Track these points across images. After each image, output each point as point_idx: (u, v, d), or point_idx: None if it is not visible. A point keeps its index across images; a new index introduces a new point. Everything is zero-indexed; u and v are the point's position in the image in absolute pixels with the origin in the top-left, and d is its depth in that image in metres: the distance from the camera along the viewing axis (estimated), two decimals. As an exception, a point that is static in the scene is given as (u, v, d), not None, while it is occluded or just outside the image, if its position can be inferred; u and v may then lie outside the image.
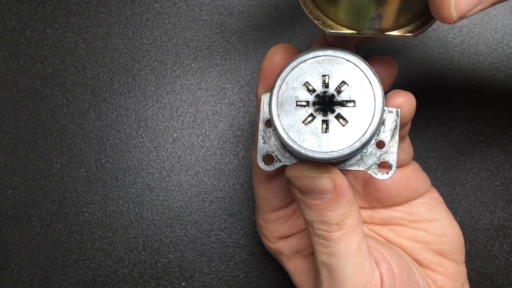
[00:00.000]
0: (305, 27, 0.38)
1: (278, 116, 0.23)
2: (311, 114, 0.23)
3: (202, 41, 0.38)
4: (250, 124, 0.38)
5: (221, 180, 0.38)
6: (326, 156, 0.23)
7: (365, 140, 0.22)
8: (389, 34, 0.23)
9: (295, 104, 0.23)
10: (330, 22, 0.23)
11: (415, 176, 0.30)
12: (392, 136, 0.24)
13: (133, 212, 0.37)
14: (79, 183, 0.38)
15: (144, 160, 0.38)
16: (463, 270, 0.31)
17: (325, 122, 0.23)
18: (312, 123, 0.23)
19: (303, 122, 0.23)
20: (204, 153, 0.38)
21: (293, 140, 0.23)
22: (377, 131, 0.23)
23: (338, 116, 0.23)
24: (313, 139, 0.23)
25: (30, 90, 0.38)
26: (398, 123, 0.24)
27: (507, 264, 0.36)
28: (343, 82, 0.23)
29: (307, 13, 0.23)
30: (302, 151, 0.23)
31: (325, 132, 0.23)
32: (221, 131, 0.38)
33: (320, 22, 0.23)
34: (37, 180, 0.38)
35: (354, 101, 0.23)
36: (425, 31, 0.23)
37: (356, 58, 0.23)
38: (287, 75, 0.23)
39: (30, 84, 0.38)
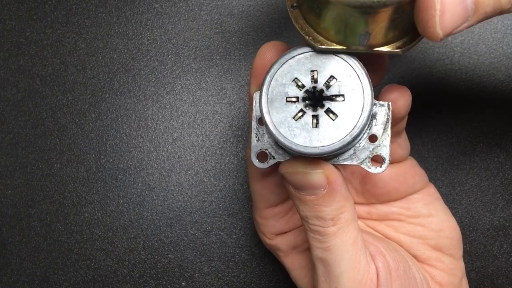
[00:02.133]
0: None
1: (269, 112, 0.23)
2: (301, 110, 0.23)
3: (202, 41, 0.38)
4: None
5: (221, 180, 0.38)
6: (317, 151, 0.23)
7: (355, 133, 0.23)
8: (378, 50, 0.23)
9: (285, 100, 0.23)
10: (320, 38, 0.23)
11: (412, 171, 0.30)
12: (385, 129, 0.24)
13: (133, 212, 0.37)
14: (79, 183, 0.38)
15: (144, 160, 0.38)
16: (461, 265, 0.31)
17: (315, 117, 0.23)
18: (303, 118, 0.23)
19: (294, 118, 0.23)
20: (204, 153, 0.38)
21: (284, 136, 0.23)
22: (367, 125, 0.24)
23: (328, 111, 0.23)
24: (304, 134, 0.23)
25: (30, 90, 0.38)
26: (390, 116, 0.24)
27: (507, 264, 0.36)
28: (332, 77, 0.23)
29: (298, 28, 0.23)
30: (293, 146, 0.23)
31: (316, 127, 0.23)
32: (221, 131, 0.38)
33: (310, 38, 0.23)
34: (37, 180, 0.38)
35: (343, 95, 0.23)
36: (414, 46, 0.23)
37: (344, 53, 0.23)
38: (276, 72, 0.24)
39: (30, 84, 0.38)
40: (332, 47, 0.23)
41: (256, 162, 0.25)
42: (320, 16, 0.22)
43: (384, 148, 0.24)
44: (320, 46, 0.23)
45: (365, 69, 0.23)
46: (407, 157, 0.30)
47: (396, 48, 0.23)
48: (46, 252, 0.37)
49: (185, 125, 0.38)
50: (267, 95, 0.23)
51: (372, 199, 0.30)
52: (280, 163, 0.25)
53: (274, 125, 0.23)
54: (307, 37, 0.23)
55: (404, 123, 0.28)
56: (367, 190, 0.30)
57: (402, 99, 0.26)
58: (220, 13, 0.39)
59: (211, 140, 0.38)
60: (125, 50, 0.39)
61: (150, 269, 0.37)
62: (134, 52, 0.39)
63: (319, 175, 0.24)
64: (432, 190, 0.31)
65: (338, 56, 0.23)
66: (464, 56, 0.38)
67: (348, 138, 0.23)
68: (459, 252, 0.31)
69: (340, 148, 0.23)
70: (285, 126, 0.23)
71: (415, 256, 0.30)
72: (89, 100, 0.38)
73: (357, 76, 0.23)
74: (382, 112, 0.24)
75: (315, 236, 0.25)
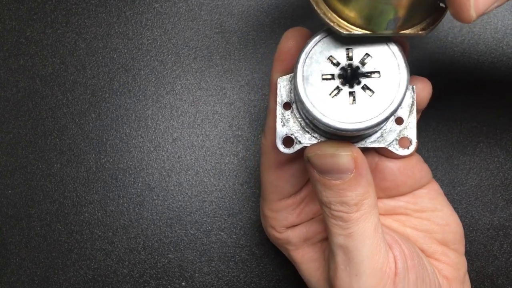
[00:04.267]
0: (305, 27, 0.38)
1: (305, 90, 0.23)
2: (337, 87, 0.23)
3: (202, 41, 0.38)
4: (250, 124, 0.38)
5: (221, 180, 0.38)
6: (355, 126, 0.22)
7: (393, 108, 0.22)
8: (404, 33, 0.23)
9: (320, 78, 0.23)
10: (344, 24, 0.22)
11: (419, 166, 0.30)
12: (410, 112, 0.24)
13: (133, 212, 0.37)
14: (79, 183, 0.38)
15: (144, 160, 0.38)
16: (464, 261, 0.31)
17: (352, 94, 0.23)
18: (339, 95, 0.23)
19: (330, 95, 0.23)
20: (204, 153, 0.38)
21: (322, 113, 0.23)
22: (403, 100, 0.23)
23: (364, 87, 0.23)
24: (341, 111, 0.23)
25: (30, 90, 0.38)
26: (415, 99, 0.24)
27: (507, 264, 0.36)
28: (367, 54, 0.23)
29: (320, 14, 0.23)
30: (331, 123, 0.23)
31: (352, 103, 0.23)
32: (221, 131, 0.38)
33: (335, 23, 0.22)
34: (37, 180, 0.38)
35: (378, 72, 0.23)
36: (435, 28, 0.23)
37: None
38: (311, 50, 0.23)
39: (30, 84, 0.38)
40: (358, 32, 0.22)
41: (281, 147, 0.25)
42: (347, 3, 0.22)
43: (411, 130, 0.25)
44: (346, 33, 0.22)
45: (399, 45, 0.23)
46: (414, 152, 0.31)
47: (420, 30, 0.22)
48: (46, 252, 0.37)
49: (185, 125, 0.38)
50: (302, 73, 0.23)
51: (379, 193, 0.30)
52: (306, 148, 0.25)
53: (311, 103, 0.23)
54: (331, 23, 0.22)
55: (418, 116, 0.28)
56: (375, 184, 0.30)
57: (425, 90, 0.26)
58: (220, 13, 0.39)
59: (211, 140, 0.38)
60: (125, 50, 0.39)
61: (150, 269, 0.37)
62: (134, 52, 0.39)
63: (348, 157, 0.23)
64: (436, 186, 0.31)
65: None
66: (464, 56, 0.38)
67: (387, 113, 0.22)
68: (463, 247, 0.31)
69: (378, 124, 0.23)
70: (321, 103, 0.23)
71: (421, 250, 0.30)
72: (89, 100, 0.38)
73: (392, 53, 0.23)
74: (407, 95, 0.24)
75: (338, 223, 0.25)
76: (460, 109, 0.37)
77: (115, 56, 0.39)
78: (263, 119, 0.38)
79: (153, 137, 0.38)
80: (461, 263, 0.31)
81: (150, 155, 0.38)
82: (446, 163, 0.37)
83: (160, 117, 0.38)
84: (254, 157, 0.38)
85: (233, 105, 0.38)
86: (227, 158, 0.38)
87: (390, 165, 0.29)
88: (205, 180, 0.38)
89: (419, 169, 0.30)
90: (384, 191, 0.30)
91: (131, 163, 0.38)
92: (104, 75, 0.38)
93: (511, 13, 0.38)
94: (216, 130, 0.38)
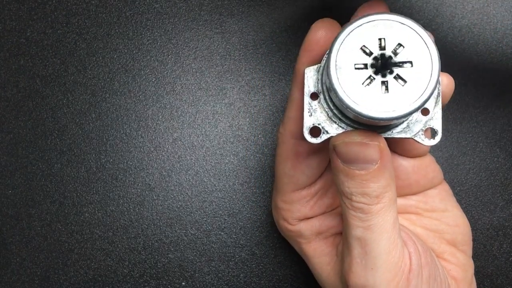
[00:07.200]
0: (305, 27, 0.38)
1: (338, 79, 0.23)
2: (370, 76, 0.23)
3: (202, 41, 0.38)
4: (250, 124, 0.38)
5: (221, 180, 0.38)
6: (388, 115, 0.23)
7: (425, 98, 0.22)
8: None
9: (353, 67, 0.23)
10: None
11: (433, 166, 0.30)
12: (436, 103, 0.25)
13: (133, 212, 0.37)
14: (79, 183, 0.38)
15: (144, 160, 0.38)
16: (471, 263, 0.31)
17: (384, 83, 0.23)
18: (372, 84, 0.23)
19: (362, 84, 0.23)
20: (204, 153, 0.38)
21: (354, 102, 0.23)
22: (435, 90, 0.24)
23: (397, 77, 0.23)
24: (374, 100, 0.23)
25: (31, 90, 0.38)
26: (441, 90, 0.25)
27: (507, 264, 0.36)
28: (399, 45, 0.23)
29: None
30: (364, 111, 0.23)
31: (385, 93, 0.23)
32: (221, 131, 0.38)
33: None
34: (37, 180, 0.38)
35: (411, 62, 0.23)
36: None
37: (411, 22, 0.23)
38: (344, 39, 0.23)
39: (31, 84, 0.38)
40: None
41: (309, 137, 0.25)
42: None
43: (436, 121, 0.25)
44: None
45: (432, 37, 0.23)
46: (427, 152, 0.31)
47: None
48: (47, 252, 0.37)
49: (185, 125, 0.38)
50: (335, 62, 0.23)
51: None
52: (332, 137, 0.25)
53: (344, 91, 0.23)
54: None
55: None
56: None
57: (449, 85, 0.26)
58: (220, 13, 0.39)
59: (211, 140, 0.38)
60: (125, 50, 0.39)
61: (150, 269, 0.37)
62: (134, 52, 0.39)
63: (375, 147, 0.24)
64: (446, 187, 0.31)
65: (405, 25, 0.23)
66: (464, 56, 0.38)
67: (419, 102, 0.22)
68: (471, 249, 0.31)
69: (411, 113, 0.23)
70: (354, 92, 0.23)
71: (431, 250, 0.30)
72: (89, 100, 0.38)
73: (425, 44, 0.23)
74: None
75: (357, 214, 0.25)
76: (460, 109, 0.37)
77: (115, 56, 0.39)
78: (263, 119, 0.38)
79: (153, 137, 0.38)
80: (469, 265, 0.31)
81: (150, 155, 0.38)
82: (446, 163, 0.37)
83: (160, 117, 0.38)
84: (254, 157, 0.38)
85: (233, 105, 0.38)
86: (227, 158, 0.38)
87: (404, 164, 0.29)
88: (205, 180, 0.38)
89: (432, 169, 0.30)
90: (397, 189, 0.30)
91: (131, 163, 0.38)
92: (104, 75, 0.38)
93: (511, 13, 0.38)
94: (216, 130, 0.38)
